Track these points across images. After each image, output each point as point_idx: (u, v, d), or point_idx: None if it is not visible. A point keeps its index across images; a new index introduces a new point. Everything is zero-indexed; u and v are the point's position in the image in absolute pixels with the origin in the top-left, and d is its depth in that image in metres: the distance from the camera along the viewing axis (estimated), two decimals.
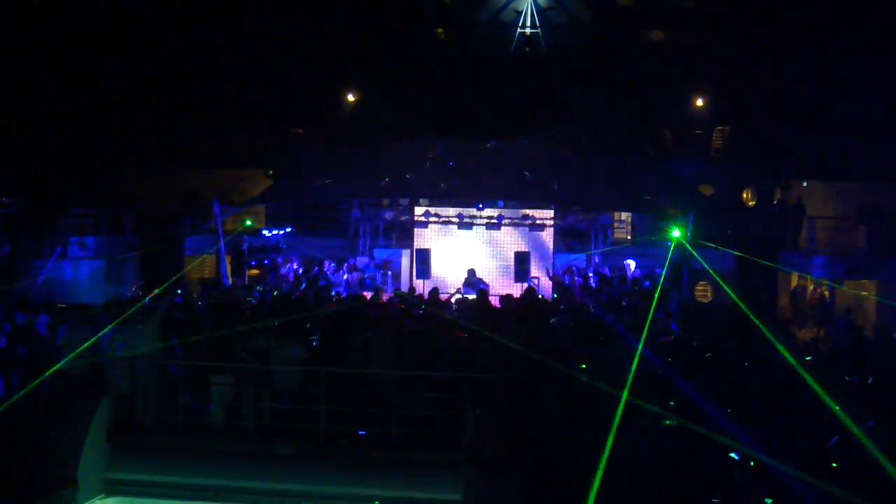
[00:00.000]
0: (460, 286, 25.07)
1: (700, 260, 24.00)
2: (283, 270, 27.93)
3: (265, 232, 29.71)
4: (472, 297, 21.38)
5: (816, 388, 13.22)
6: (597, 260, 28.96)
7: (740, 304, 19.00)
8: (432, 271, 26.76)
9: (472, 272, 26.12)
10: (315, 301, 20.62)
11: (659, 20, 36.18)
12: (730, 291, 22.21)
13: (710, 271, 24.43)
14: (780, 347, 15.05)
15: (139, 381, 15.15)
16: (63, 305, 18.70)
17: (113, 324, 15.53)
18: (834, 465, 12.48)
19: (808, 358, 16.36)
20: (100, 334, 15.32)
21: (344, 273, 27.24)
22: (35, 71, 30.97)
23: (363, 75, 35.31)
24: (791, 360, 14.51)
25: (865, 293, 24.76)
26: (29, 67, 30.85)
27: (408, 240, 28.52)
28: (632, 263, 27.56)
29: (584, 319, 18.75)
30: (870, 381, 15.33)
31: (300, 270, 27.80)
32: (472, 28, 36.16)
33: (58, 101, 31.48)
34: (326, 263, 27.94)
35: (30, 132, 30.51)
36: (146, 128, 33.31)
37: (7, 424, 13.87)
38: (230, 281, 26.64)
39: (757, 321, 16.75)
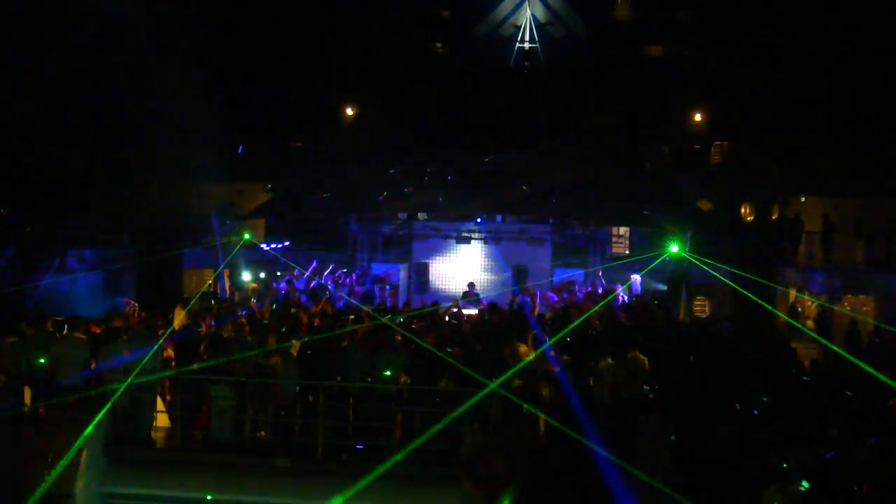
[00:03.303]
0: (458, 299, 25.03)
1: (703, 272, 23.90)
2: (276, 284, 27.82)
3: (263, 246, 29.68)
4: (470, 311, 21.35)
5: None
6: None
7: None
8: (430, 286, 26.78)
9: (471, 285, 26.10)
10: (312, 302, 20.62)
11: (657, 35, 36.24)
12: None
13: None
14: None
15: (137, 394, 15.12)
16: (61, 318, 18.62)
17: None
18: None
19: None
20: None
21: (346, 288, 27.19)
22: (34, 82, 30.94)
23: (362, 89, 35.31)
24: None
25: (865, 308, 24.72)
26: (28, 78, 30.82)
27: (406, 254, 28.54)
28: (637, 278, 27.52)
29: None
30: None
31: (297, 283, 27.71)
32: (471, 43, 36.19)
33: (54, 113, 31.42)
34: (332, 266, 27.81)
35: (27, 143, 30.46)
36: (145, 140, 33.25)
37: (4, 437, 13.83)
38: (228, 294, 26.59)
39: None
